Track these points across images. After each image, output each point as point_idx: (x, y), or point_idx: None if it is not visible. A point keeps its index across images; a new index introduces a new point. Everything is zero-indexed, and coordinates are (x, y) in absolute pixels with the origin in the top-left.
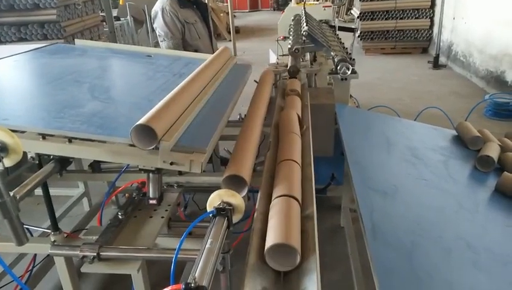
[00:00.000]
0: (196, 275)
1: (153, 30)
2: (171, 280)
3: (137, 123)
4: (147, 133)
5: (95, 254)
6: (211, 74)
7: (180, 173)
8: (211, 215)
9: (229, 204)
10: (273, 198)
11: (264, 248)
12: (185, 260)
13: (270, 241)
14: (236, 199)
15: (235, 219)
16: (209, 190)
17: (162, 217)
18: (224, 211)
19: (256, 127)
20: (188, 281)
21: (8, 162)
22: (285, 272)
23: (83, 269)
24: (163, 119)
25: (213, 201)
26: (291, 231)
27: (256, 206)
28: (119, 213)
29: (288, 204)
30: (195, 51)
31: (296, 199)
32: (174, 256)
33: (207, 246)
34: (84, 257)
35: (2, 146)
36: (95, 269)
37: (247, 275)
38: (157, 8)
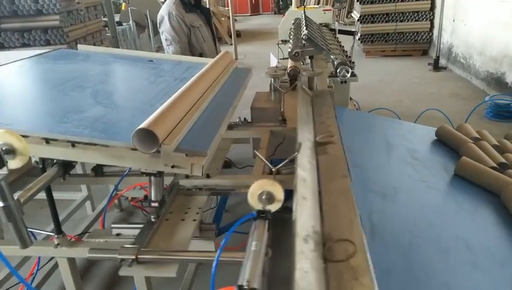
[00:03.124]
0: (247, 277)
1: (155, 35)
2: (211, 283)
3: (139, 127)
4: (148, 137)
5: (134, 257)
6: (212, 78)
7: (208, 176)
8: (251, 218)
9: (270, 193)
10: None
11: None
12: (226, 263)
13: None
14: (276, 188)
15: (274, 207)
16: (228, 192)
17: (194, 220)
18: (264, 213)
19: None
20: (240, 283)
21: (15, 164)
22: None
23: (121, 273)
24: (164, 123)
25: (254, 190)
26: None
27: (294, 209)
28: (152, 216)
29: None
30: (201, 54)
31: None
32: (216, 259)
33: (252, 248)
34: (122, 260)
35: (10, 149)
36: (134, 272)
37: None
38: (163, 12)
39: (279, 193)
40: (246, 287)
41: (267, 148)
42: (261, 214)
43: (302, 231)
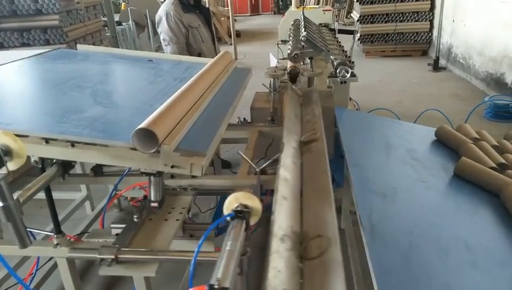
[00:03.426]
0: (219, 276)
1: (155, 35)
2: (189, 282)
3: (139, 127)
4: (148, 136)
5: (114, 256)
6: (212, 78)
7: (194, 176)
8: (228, 218)
9: (246, 207)
10: None
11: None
12: (202, 263)
13: None
14: (253, 201)
15: (252, 221)
16: (213, 192)
17: (177, 220)
18: (241, 213)
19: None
20: (211, 282)
21: (12, 165)
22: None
23: (101, 272)
24: (164, 123)
25: (230, 204)
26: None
27: (273, 209)
28: (135, 216)
29: None
30: (199, 54)
31: None
32: (193, 258)
33: (227, 248)
34: (102, 259)
35: (6, 150)
36: (113, 272)
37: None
38: (161, 13)
39: (257, 206)
40: (216, 286)
41: (254, 149)
42: (239, 214)
43: (279, 230)
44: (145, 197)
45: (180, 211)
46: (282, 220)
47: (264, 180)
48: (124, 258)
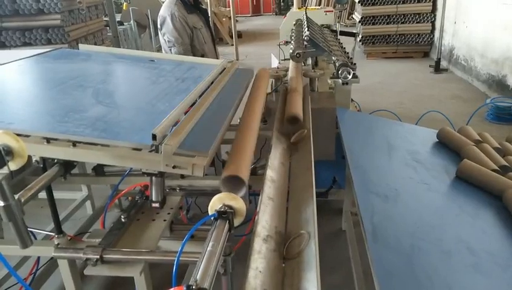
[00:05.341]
0: (198, 277)
1: (156, 35)
2: (172, 282)
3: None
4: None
5: (98, 256)
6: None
7: (183, 177)
8: (212, 218)
9: (230, 207)
10: None
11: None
12: (187, 263)
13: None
14: (237, 202)
15: (236, 222)
16: (212, 193)
17: (165, 220)
18: (225, 214)
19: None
20: (190, 283)
21: (13, 165)
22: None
23: (86, 272)
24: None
25: (214, 204)
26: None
27: (257, 209)
28: (122, 216)
29: None
30: (202, 55)
31: None
32: (176, 258)
33: (208, 248)
34: (87, 259)
35: (8, 150)
36: (98, 272)
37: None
38: (164, 13)
39: (241, 207)
40: (194, 287)
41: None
42: (223, 215)
43: (262, 231)
44: (147, 197)
45: (168, 212)
46: (267, 220)
47: (253, 181)
48: (109, 258)
